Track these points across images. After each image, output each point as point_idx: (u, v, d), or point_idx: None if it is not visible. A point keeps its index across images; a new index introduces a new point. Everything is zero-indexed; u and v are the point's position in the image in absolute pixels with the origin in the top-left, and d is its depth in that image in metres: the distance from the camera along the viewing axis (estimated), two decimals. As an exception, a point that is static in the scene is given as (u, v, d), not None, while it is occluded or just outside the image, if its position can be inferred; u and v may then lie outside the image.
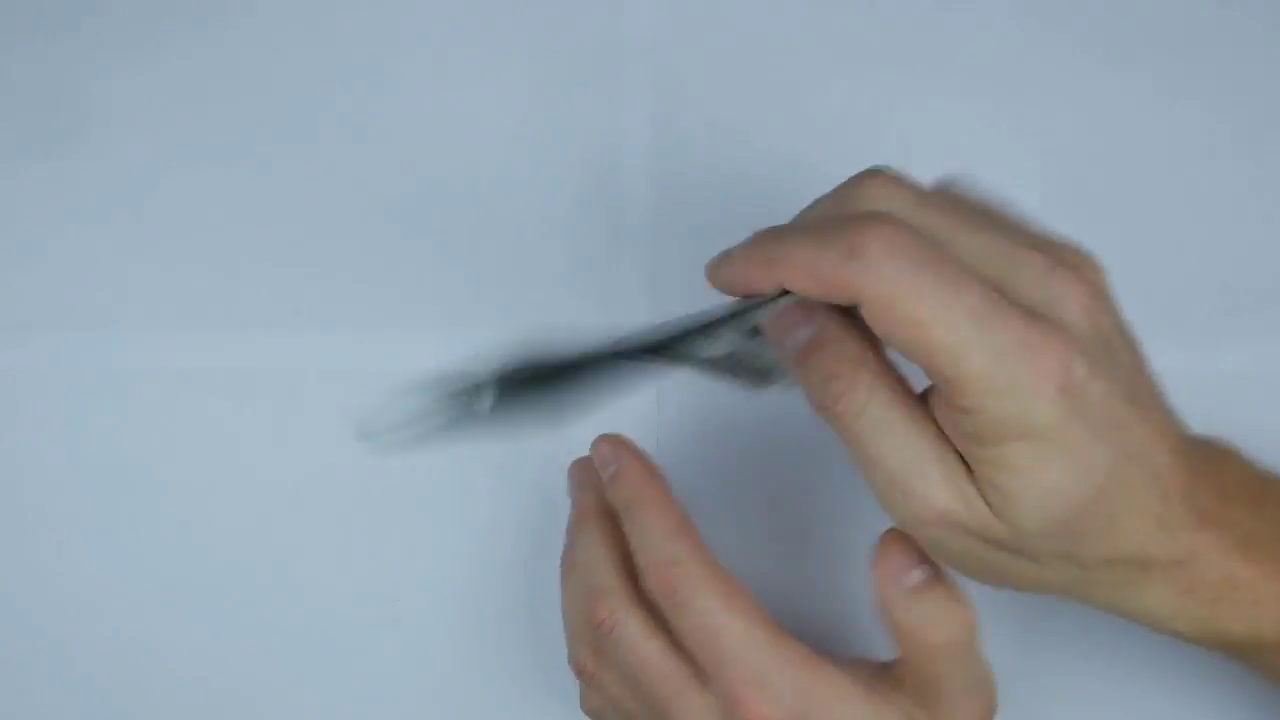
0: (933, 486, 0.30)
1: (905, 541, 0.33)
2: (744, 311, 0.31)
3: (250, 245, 0.45)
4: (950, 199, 0.30)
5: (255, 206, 0.45)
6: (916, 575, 0.32)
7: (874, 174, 0.30)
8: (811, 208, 0.32)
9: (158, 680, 0.43)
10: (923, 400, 0.31)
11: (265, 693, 0.43)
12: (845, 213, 0.30)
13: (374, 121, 0.46)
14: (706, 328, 0.31)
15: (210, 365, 0.45)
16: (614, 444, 0.37)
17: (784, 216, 0.44)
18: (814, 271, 0.29)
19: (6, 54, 0.46)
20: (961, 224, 0.29)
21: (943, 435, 0.30)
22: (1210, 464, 0.32)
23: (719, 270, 0.31)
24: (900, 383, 0.31)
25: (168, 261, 0.45)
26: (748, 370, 0.34)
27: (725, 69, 0.46)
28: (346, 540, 0.44)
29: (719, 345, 0.32)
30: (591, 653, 0.35)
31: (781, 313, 0.31)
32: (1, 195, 0.46)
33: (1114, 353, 0.29)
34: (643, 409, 0.44)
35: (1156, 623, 0.33)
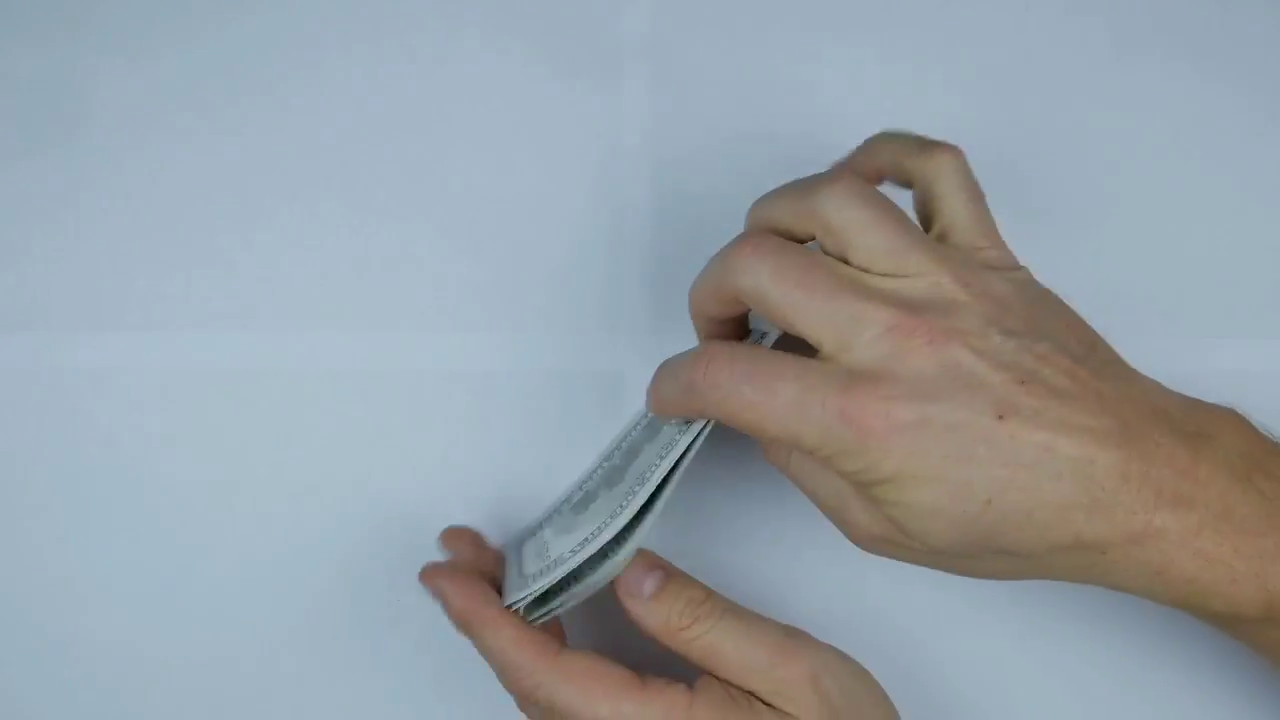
0: (857, 515, 0.34)
1: (634, 561, 0.37)
2: (678, 460, 0.36)
3: (250, 245, 0.45)
4: (808, 267, 0.33)
5: (256, 206, 0.45)
6: (649, 585, 0.37)
7: (744, 241, 0.34)
8: (702, 274, 0.36)
9: (158, 680, 0.43)
10: None
11: (265, 693, 0.43)
12: (716, 289, 0.35)
13: (373, 122, 0.46)
14: (653, 498, 0.37)
15: (210, 365, 0.45)
16: (430, 575, 0.39)
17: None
18: (681, 407, 0.35)
19: (4, 51, 0.46)
20: (812, 296, 0.33)
21: None
22: (1190, 440, 0.33)
23: (649, 404, 0.37)
24: None
25: (167, 261, 0.45)
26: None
27: (725, 67, 0.46)
28: (347, 540, 0.44)
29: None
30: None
31: None
32: None
33: (973, 378, 0.32)
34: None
35: (1137, 595, 0.34)
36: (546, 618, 0.37)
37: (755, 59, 0.46)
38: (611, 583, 0.37)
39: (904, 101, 0.46)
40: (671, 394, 0.35)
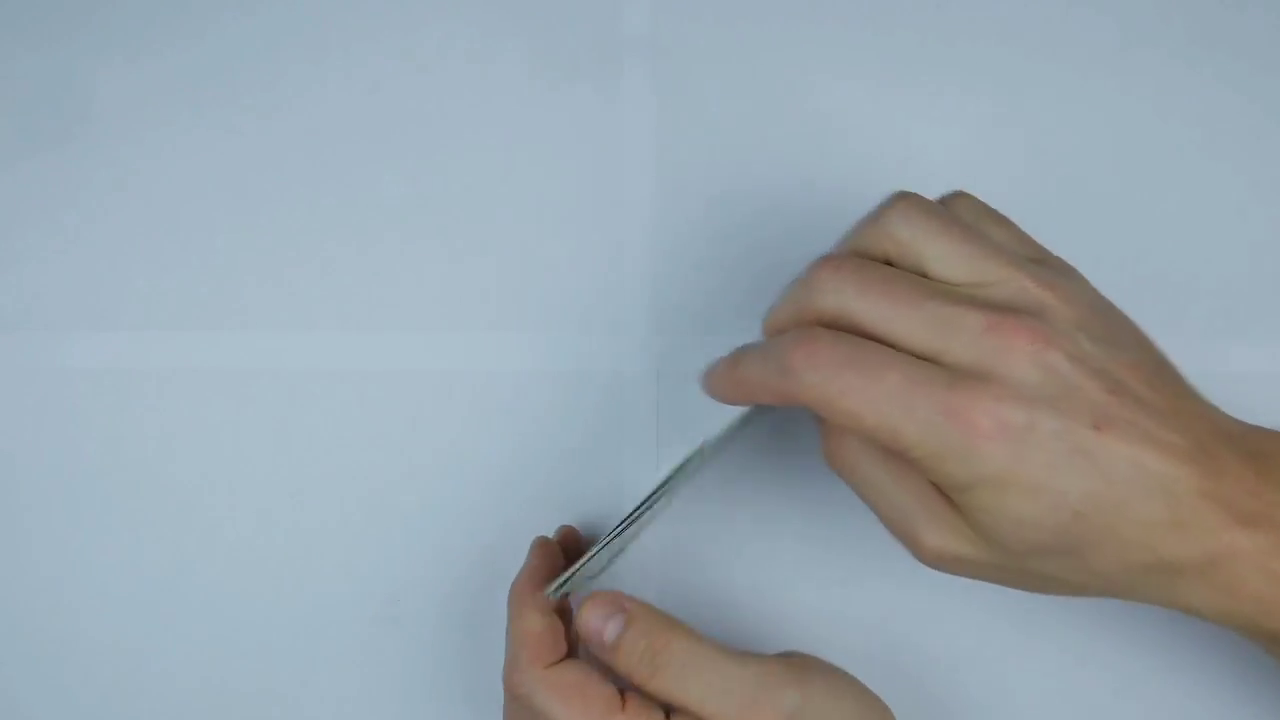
0: (922, 530, 0.33)
1: (596, 601, 0.37)
2: (745, 423, 0.37)
3: (250, 245, 0.45)
4: (893, 278, 0.33)
5: (256, 206, 0.45)
6: (610, 631, 0.36)
7: (824, 262, 0.33)
8: (779, 300, 0.35)
9: (157, 680, 0.43)
10: None
11: (265, 693, 0.43)
12: (798, 312, 0.34)
13: (373, 122, 0.46)
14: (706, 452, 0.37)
15: (210, 365, 0.45)
16: (535, 541, 0.41)
17: (784, 215, 0.44)
18: (765, 389, 0.33)
19: (4, 51, 0.46)
20: (899, 304, 0.32)
21: (927, 483, 0.33)
22: (1254, 460, 0.32)
23: (709, 385, 0.36)
24: None
25: (167, 261, 0.45)
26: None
27: (726, 68, 0.46)
28: (346, 540, 0.44)
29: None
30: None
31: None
32: (0, 193, 0.46)
33: (1071, 384, 0.31)
34: (644, 417, 0.44)
35: (1206, 619, 0.33)
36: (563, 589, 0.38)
37: (755, 59, 0.46)
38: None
39: (904, 100, 0.46)
40: (758, 375, 0.34)
